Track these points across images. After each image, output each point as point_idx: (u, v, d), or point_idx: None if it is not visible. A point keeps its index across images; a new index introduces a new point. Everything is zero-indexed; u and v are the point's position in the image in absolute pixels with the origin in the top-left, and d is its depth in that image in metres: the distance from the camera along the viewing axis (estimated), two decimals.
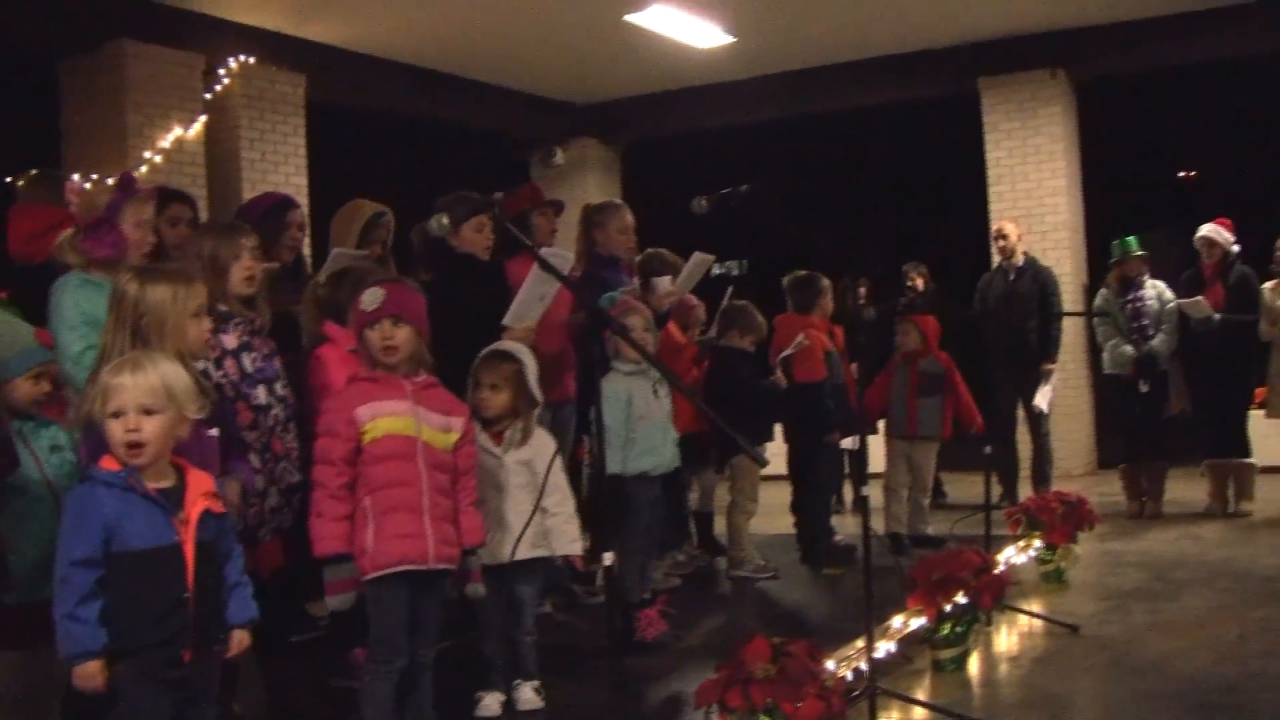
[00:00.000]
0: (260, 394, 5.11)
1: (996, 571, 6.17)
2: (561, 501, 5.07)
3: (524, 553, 4.91)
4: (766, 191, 5.44)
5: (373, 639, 4.37)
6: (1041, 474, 10.16)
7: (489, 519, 4.80)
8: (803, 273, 8.35)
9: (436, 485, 4.39)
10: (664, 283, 7.22)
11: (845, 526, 8.73)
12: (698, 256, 7.34)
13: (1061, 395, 10.90)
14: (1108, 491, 10.18)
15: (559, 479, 5.05)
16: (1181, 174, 18.77)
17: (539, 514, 4.92)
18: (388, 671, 4.33)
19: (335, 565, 4.33)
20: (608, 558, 4.04)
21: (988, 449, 7.56)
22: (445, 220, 5.49)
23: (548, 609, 6.48)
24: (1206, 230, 9.57)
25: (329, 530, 4.30)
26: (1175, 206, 13.02)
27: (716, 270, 17.30)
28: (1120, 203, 13.93)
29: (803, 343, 7.74)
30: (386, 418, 4.33)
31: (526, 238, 6.52)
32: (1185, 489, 9.87)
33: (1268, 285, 9.16)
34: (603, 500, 5.36)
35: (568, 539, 5.09)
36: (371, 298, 4.46)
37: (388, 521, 4.28)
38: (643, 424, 6.15)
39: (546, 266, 4.92)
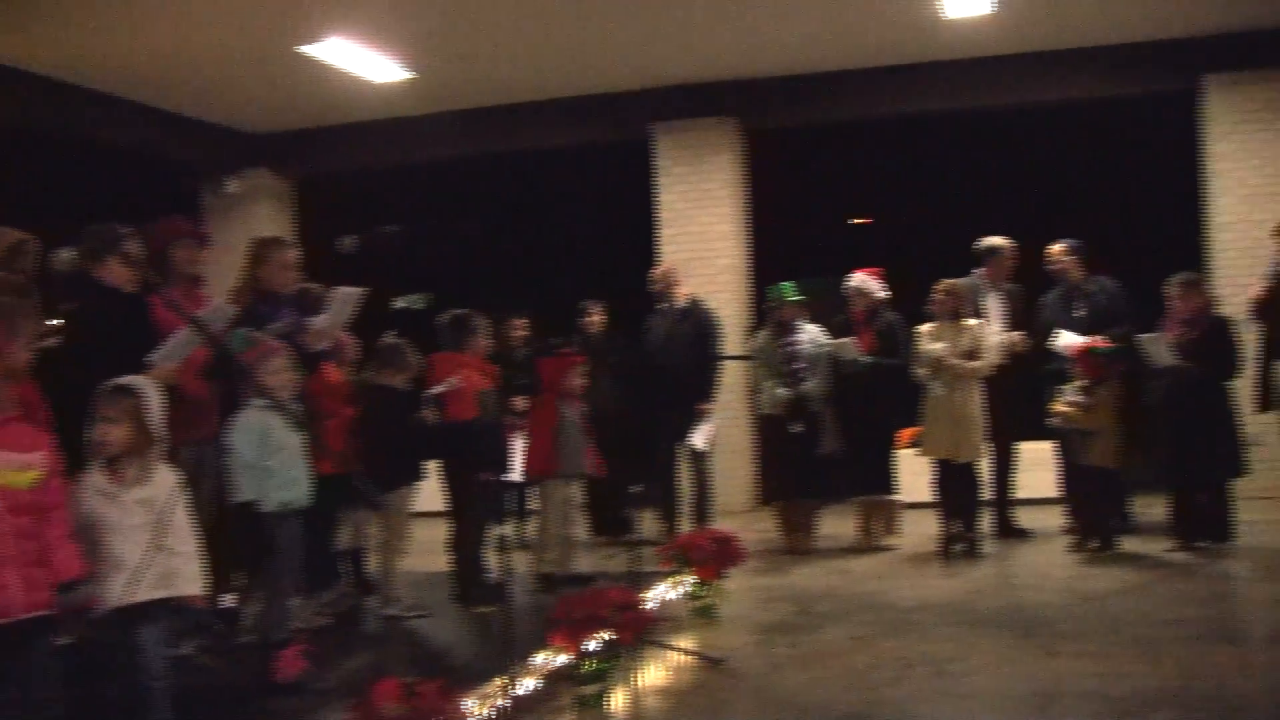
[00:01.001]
0: None
1: (641, 608, 6.27)
2: (184, 540, 4.89)
3: (145, 594, 4.72)
4: (417, 232, 5.45)
5: None
6: (703, 511, 10.38)
7: (107, 560, 4.61)
8: (458, 311, 8.36)
9: (17, 530, 4.16)
10: (316, 320, 7.14)
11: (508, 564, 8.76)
12: (343, 292, 7.26)
13: (724, 434, 11.17)
14: (767, 527, 10.47)
15: (181, 517, 4.88)
16: (854, 220, 19.48)
17: (161, 553, 4.74)
18: None
19: None
20: (227, 599, 3.95)
21: (636, 488, 7.70)
22: (66, 254, 5.33)
23: (187, 651, 6.27)
24: (856, 279, 10.00)
25: None
26: (848, 252, 13.49)
27: (400, 304, 17.18)
28: (794, 247, 14.37)
29: (453, 383, 7.76)
30: None
31: (168, 271, 6.43)
32: (838, 525, 10.22)
33: (923, 328, 9.58)
34: (240, 536, 5.24)
35: (188, 579, 4.92)
36: None
37: None
38: (282, 455, 6.01)
39: (196, 325, 4.79)
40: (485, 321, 8.35)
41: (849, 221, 18.78)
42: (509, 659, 5.37)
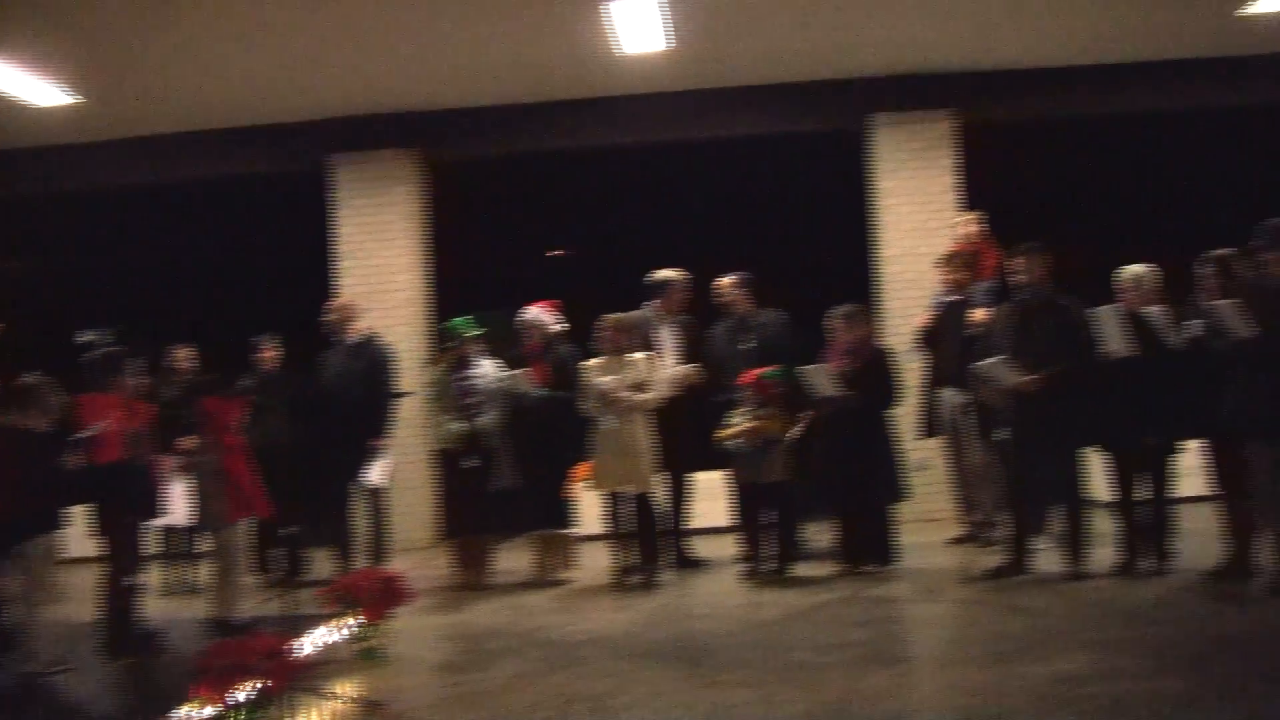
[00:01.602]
0: None
1: (292, 654, 6.06)
2: None
3: None
4: (35, 267, 5.17)
5: None
6: (379, 549, 10.18)
7: None
8: (107, 349, 8.00)
9: None
10: None
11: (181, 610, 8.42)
12: None
13: (402, 469, 11.00)
14: (446, 564, 10.29)
15: None
16: (551, 252, 19.48)
17: None
18: None
19: None
20: None
21: (290, 529, 7.48)
22: None
23: None
24: (530, 312, 9.98)
25: None
26: (536, 284, 13.46)
27: (86, 338, 16.35)
28: (481, 280, 14.28)
29: (100, 427, 7.43)
30: None
31: None
32: (515, 559, 10.13)
33: (590, 362, 9.59)
34: None
35: None
36: None
37: None
38: None
39: None
40: (137, 359, 8.00)
41: (546, 253, 18.80)
42: (149, 714, 5.07)
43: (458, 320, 9.97)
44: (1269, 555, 7.98)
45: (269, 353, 10.59)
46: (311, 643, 7.09)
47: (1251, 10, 10.51)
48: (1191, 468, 8.66)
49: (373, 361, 10.31)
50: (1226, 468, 8.26)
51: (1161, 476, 8.62)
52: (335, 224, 12.78)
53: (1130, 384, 8.42)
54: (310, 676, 6.34)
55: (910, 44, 11.31)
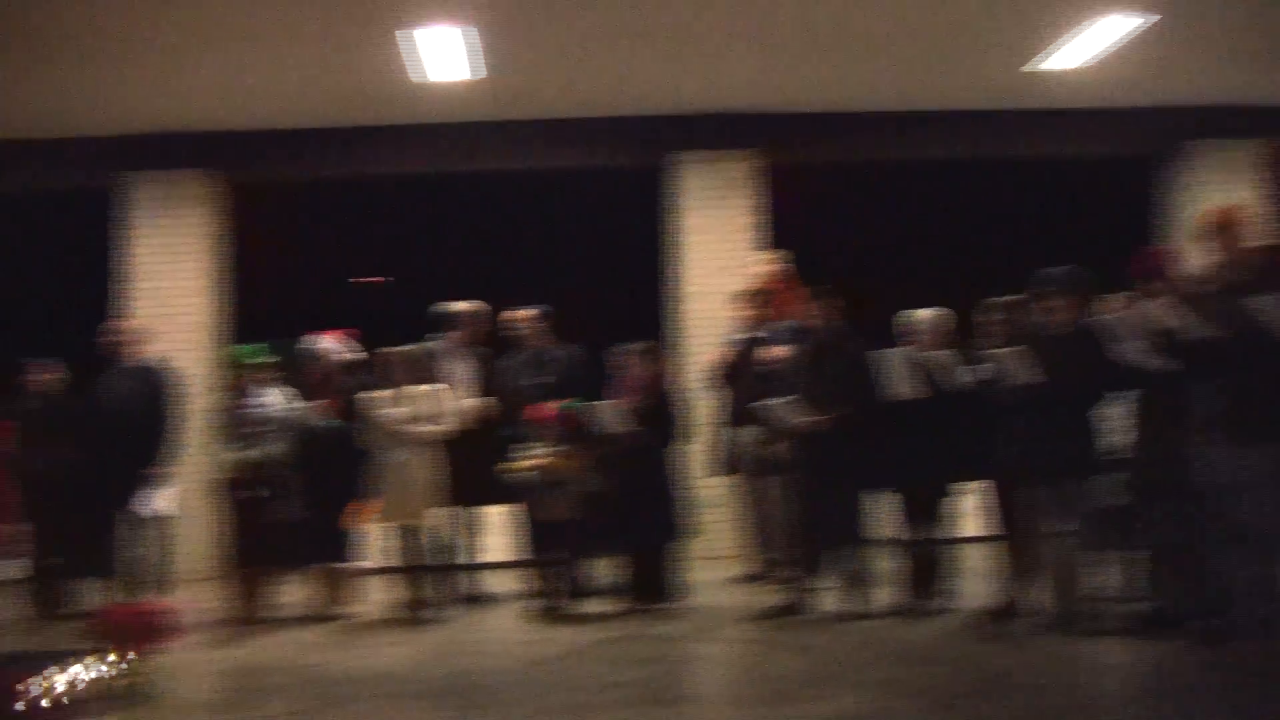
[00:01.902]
0: None
1: (32, 693, 5.79)
2: None
3: None
4: None
5: None
6: (159, 580, 9.86)
7: None
8: None
9: None
10: None
11: None
12: None
13: (185, 498, 10.65)
14: (226, 595, 9.99)
15: None
16: (366, 279, 19.17)
17: None
18: None
19: None
20: None
21: (53, 560, 7.18)
22: None
23: None
24: (318, 342, 9.80)
25: None
26: (344, 311, 13.25)
27: None
28: (285, 306, 14.02)
29: None
30: None
31: None
32: (296, 593, 9.87)
33: (375, 394, 9.42)
34: None
35: None
36: None
37: None
38: None
39: None
40: None
41: (350, 281, 18.54)
42: None
43: (244, 348, 9.76)
44: (1041, 595, 8.16)
45: (45, 375, 10.21)
46: (66, 680, 6.76)
47: (1038, 67, 10.80)
48: (973, 509, 8.84)
49: (155, 386, 9.97)
50: (1006, 509, 8.44)
51: (942, 517, 8.76)
52: (126, 244, 12.36)
53: (915, 426, 8.54)
54: (60, 716, 6.07)
55: (716, 84, 11.38)
